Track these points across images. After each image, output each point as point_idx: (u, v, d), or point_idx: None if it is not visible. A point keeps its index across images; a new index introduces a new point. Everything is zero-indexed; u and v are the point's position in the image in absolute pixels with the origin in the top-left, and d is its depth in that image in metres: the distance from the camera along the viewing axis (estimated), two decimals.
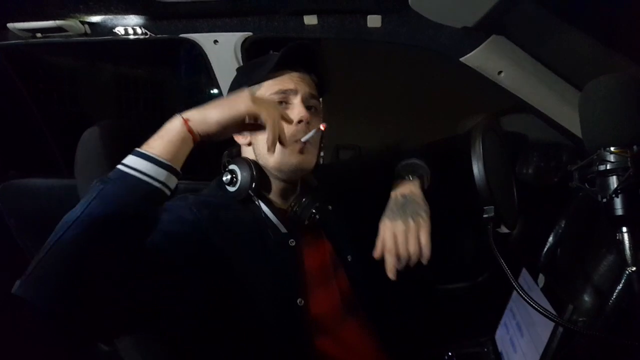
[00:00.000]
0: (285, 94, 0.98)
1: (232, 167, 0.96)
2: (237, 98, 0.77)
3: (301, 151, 0.97)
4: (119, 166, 0.72)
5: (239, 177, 0.95)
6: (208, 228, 0.90)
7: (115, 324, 0.73)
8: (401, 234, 0.94)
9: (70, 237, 0.64)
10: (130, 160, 0.72)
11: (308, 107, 0.99)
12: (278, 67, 0.98)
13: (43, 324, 0.67)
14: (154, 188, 0.71)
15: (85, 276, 0.64)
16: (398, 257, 0.93)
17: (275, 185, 1.03)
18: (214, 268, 0.88)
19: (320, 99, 1.06)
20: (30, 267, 0.64)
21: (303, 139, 0.92)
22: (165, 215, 0.82)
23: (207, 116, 0.75)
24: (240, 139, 1.03)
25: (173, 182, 0.74)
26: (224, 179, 0.96)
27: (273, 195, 1.03)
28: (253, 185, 0.94)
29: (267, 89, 0.99)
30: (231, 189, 0.96)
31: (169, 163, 0.72)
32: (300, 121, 0.95)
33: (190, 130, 0.75)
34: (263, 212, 0.98)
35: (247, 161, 0.97)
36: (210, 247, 0.89)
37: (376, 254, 0.96)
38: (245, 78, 1.05)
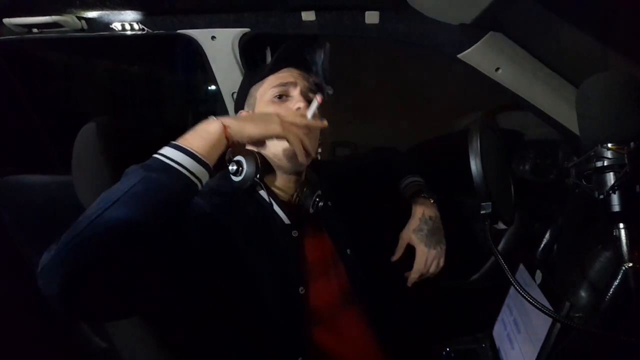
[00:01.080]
0: (285, 87, 1.04)
1: (238, 158, 0.98)
2: (270, 120, 0.85)
3: None
4: (159, 157, 0.74)
5: (245, 167, 0.96)
6: (218, 215, 0.92)
7: (132, 302, 0.75)
8: (430, 259, 1.15)
9: (112, 215, 0.65)
10: (171, 152, 0.74)
11: (307, 101, 1.03)
12: (279, 64, 1.06)
13: (61, 297, 0.65)
14: (192, 182, 0.74)
15: (120, 253, 0.66)
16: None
17: (279, 177, 1.06)
18: (221, 255, 0.90)
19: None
20: (67, 238, 0.65)
21: (309, 115, 0.95)
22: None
23: (244, 129, 0.82)
24: None
25: (206, 178, 0.78)
26: (230, 168, 0.98)
27: (277, 187, 1.06)
28: (257, 175, 0.96)
29: (269, 84, 1.05)
30: (236, 178, 0.98)
31: (207, 161, 0.77)
32: (298, 109, 1.00)
33: (227, 136, 0.81)
34: (267, 202, 1.00)
35: (252, 152, 0.99)
36: (219, 235, 0.91)
37: (396, 258, 1.19)
38: (251, 77, 1.13)
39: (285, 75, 1.05)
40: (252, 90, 1.10)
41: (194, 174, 0.74)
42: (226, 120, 0.81)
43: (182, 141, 0.77)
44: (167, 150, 0.75)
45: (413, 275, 1.16)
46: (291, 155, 0.99)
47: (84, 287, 0.64)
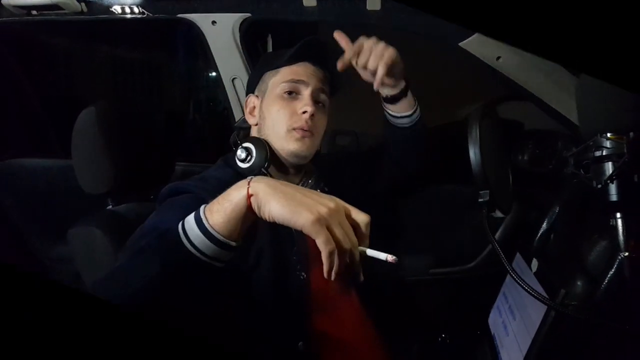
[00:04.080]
0: (296, 84, 1.02)
1: (247, 144, 0.98)
2: (303, 209, 0.65)
3: (299, 139, 1.00)
4: (180, 229, 0.67)
5: (254, 155, 0.97)
6: None
7: None
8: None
9: (142, 298, 0.67)
10: (191, 227, 0.66)
11: (316, 102, 1.03)
12: (296, 57, 1.03)
13: None
14: (209, 264, 0.67)
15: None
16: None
17: (281, 166, 1.06)
18: None
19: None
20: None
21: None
22: (191, 202, 0.86)
23: (269, 206, 0.65)
24: (250, 118, 1.09)
25: (227, 258, 0.69)
26: (239, 154, 0.98)
27: (277, 175, 1.06)
28: (266, 165, 0.97)
29: (282, 76, 1.04)
30: (244, 165, 0.98)
31: (228, 241, 0.67)
32: (304, 112, 1.00)
33: (250, 207, 0.66)
34: None
35: (261, 140, 1.00)
36: None
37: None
38: (267, 62, 1.10)
39: (300, 70, 1.04)
40: (266, 76, 1.08)
41: (209, 257, 0.66)
42: (257, 187, 0.66)
43: (208, 210, 0.67)
44: (192, 231, 0.66)
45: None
46: (294, 154, 1.01)
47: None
